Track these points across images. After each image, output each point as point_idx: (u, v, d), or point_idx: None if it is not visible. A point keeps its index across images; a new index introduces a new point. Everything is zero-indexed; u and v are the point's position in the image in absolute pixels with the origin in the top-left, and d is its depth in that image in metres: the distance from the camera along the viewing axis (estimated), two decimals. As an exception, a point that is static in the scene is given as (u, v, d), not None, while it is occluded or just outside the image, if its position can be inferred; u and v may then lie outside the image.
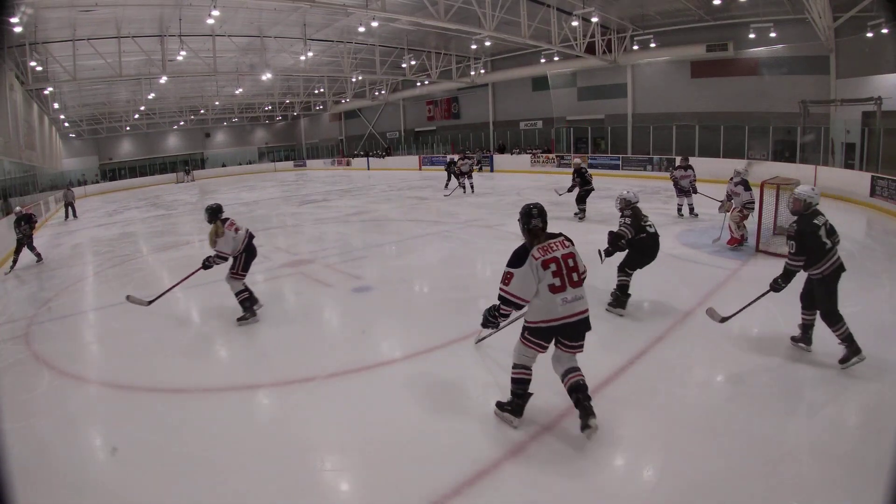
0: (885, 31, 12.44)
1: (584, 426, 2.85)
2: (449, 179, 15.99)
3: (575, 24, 17.06)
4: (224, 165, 37.90)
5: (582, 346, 3.02)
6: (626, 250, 5.17)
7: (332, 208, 14.41)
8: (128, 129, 33.40)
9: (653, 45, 18.54)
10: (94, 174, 33.03)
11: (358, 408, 3.54)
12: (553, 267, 2.89)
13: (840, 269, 3.73)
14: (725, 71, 17.41)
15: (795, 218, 3.84)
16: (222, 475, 2.88)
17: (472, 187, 15.27)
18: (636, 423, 3.22)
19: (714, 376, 3.91)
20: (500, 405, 3.25)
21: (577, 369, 3.04)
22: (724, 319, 4.08)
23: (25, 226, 9.30)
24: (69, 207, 17.36)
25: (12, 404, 3.83)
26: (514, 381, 3.13)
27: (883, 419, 3.09)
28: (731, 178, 7.50)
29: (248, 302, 5.29)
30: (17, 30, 12.09)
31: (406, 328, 5.10)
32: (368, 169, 30.75)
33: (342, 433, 3.28)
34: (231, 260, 5.19)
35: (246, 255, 5.23)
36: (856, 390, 3.54)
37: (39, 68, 15.89)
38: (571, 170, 10.73)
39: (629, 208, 5.14)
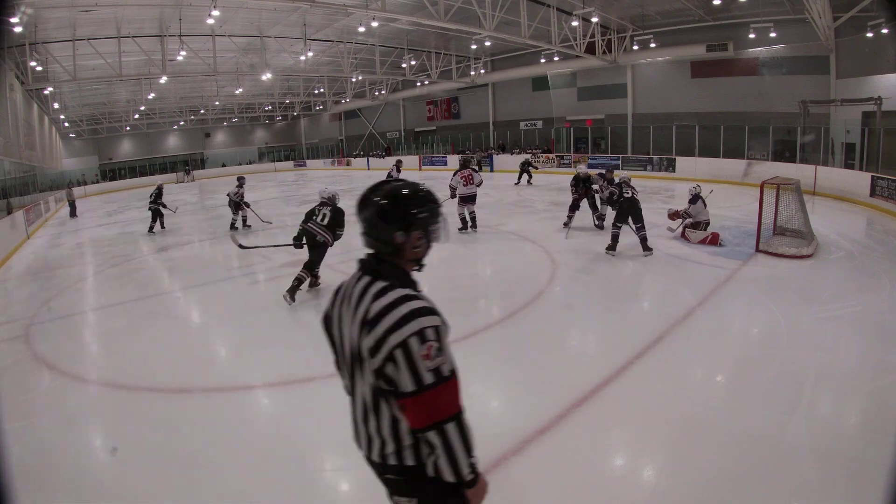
0: (885, 31, 12.44)
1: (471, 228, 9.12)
2: (521, 175, 17.14)
3: (575, 24, 17.05)
4: (224, 165, 37.89)
5: (474, 204, 9.01)
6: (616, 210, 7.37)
7: (332, 208, 14.38)
8: (128, 129, 33.39)
9: (653, 45, 18.53)
10: (94, 174, 33.02)
11: (358, 408, 3.53)
12: (462, 178, 8.80)
13: None
14: (725, 71, 17.41)
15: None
16: (222, 475, 2.88)
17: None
18: (636, 422, 3.21)
19: (714, 376, 3.91)
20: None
21: (473, 210, 9.05)
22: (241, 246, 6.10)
23: (159, 200, 12.06)
24: (72, 206, 17.95)
25: (12, 404, 3.82)
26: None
27: (883, 419, 3.09)
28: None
29: None
30: (17, 30, 12.08)
31: (406, 328, 5.09)
32: (368, 169, 30.74)
33: (342, 433, 3.26)
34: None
35: None
36: (856, 390, 3.54)
37: (39, 68, 15.88)
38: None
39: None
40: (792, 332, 4.39)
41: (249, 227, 11.63)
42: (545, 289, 5.93)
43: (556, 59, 21.03)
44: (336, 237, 6.02)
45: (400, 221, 1.38)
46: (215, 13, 12.90)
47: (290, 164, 38.76)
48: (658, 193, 13.86)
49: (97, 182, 31.70)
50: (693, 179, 15.99)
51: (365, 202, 1.43)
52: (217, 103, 30.57)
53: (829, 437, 2.95)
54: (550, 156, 21.84)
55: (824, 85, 14.72)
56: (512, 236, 8.92)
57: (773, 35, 15.49)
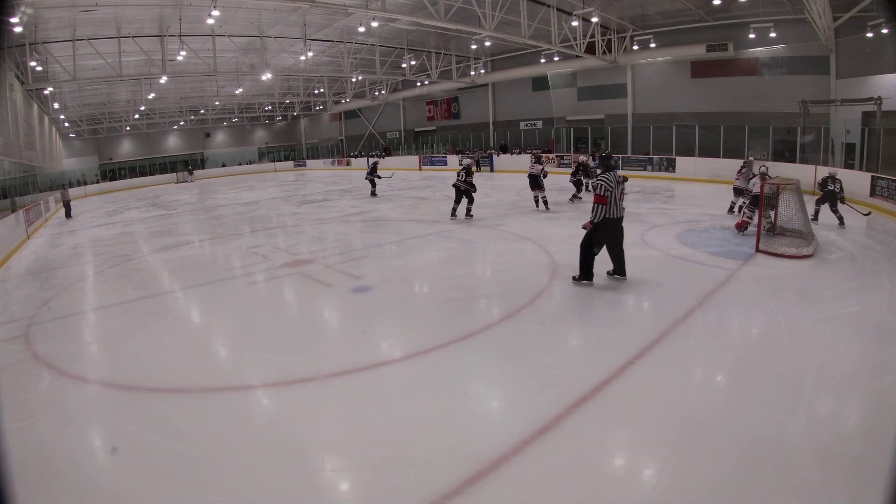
0: (885, 31, 12.44)
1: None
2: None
3: (575, 24, 17.06)
4: (224, 165, 37.91)
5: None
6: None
7: (332, 208, 14.41)
8: (128, 129, 33.41)
9: (653, 45, 18.54)
10: (94, 174, 33.02)
11: (358, 408, 3.54)
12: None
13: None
14: (725, 71, 17.42)
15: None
16: (222, 475, 2.88)
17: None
18: (636, 422, 3.21)
19: (714, 376, 3.91)
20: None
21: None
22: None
23: (375, 172, 16.24)
24: (67, 206, 17.90)
25: (12, 404, 3.82)
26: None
27: (883, 419, 3.09)
28: None
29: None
30: (17, 30, 12.08)
31: (406, 328, 5.10)
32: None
33: (342, 433, 3.28)
34: None
35: None
36: (856, 390, 3.54)
37: (39, 68, 15.88)
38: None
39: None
40: (792, 332, 4.39)
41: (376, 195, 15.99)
42: (545, 289, 5.93)
43: (556, 59, 21.04)
44: (469, 185, 10.30)
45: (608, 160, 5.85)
46: (215, 13, 12.90)
47: (290, 164, 38.77)
48: (658, 193, 13.85)
49: (97, 182, 31.70)
50: (693, 180, 16.03)
51: (608, 156, 6.01)
52: (217, 103, 30.59)
53: (829, 437, 2.95)
54: (550, 156, 21.84)
55: (824, 85, 14.73)
56: (512, 236, 8.93)
57: (773, 35, 15.49)
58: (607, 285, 6.24)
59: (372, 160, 17.32)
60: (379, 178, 16.35)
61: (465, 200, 10.53)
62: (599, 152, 6.03)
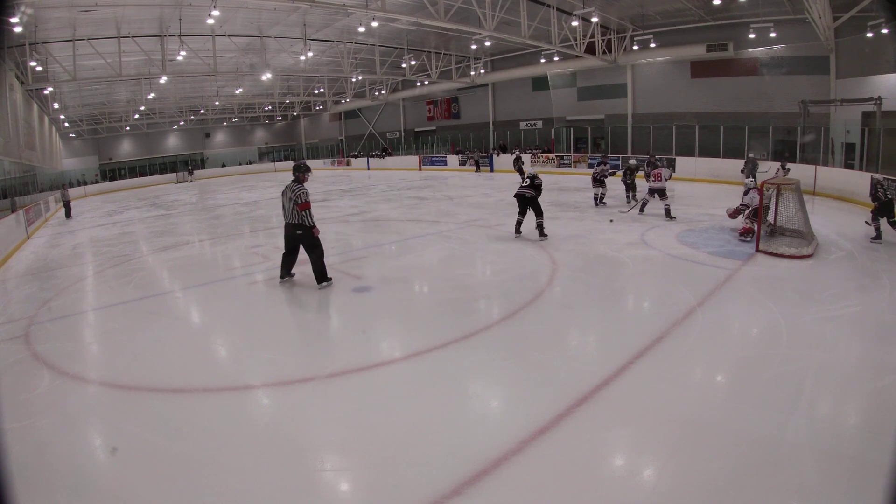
0: (885, 31, 12.44)
1: None
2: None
3: (575, 24, 17.06)
4: (224, 165, 37.90)
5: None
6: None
7: (332, 208, 14.40)
8: (128, 129, 33.41)
9: (653, 45, 18.54)
10: (93, 174, 33.02)
11: (358, 408, 3.54)
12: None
13: None
14: (725, 71, 17.42)
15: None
16: (222, 475, 2.88)
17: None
18: (636, 423, 3.21)
19: (714, 376, 3.91)
20: None
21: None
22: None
23: (520, 162, 17.15)
24: (67, 206, 17.93)
25: (12, 404, 3.82)
26: None
27: (883, 419, 3.09)
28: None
29: None
30: (17, 30, 12.08)
31: (406, 328, 5.10)
32: (368, 169, 30.76)
33: (342, 433, 3.28)
34: None
35: None
36: (856, 390, 3.54)
37: (39, 68, 15.88)
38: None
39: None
40: (792, 332, 4.39)
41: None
42: (545, 289, 5.93)
43: (556, 59, 21.04)
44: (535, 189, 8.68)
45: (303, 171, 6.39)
46: (215, 13, 12.89)
47: (290, 164, 38.69)
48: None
49: (97, 182, 31.69)
50: (693, 180, 16.03)
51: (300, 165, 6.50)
52: (217, 103, 30.58)
53: (829, 437, 2.95)
54: (550, 156, 21.86)
55: (824, 85, 14.73)
56: (512, 236, 8.92)
57: (773, 35, 15.49)
58: (605, 285, 6.24)
59: (517, 154, 20.40)
60: (522, 167, 18.17)
61: (530, 212, 8.60)
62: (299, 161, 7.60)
